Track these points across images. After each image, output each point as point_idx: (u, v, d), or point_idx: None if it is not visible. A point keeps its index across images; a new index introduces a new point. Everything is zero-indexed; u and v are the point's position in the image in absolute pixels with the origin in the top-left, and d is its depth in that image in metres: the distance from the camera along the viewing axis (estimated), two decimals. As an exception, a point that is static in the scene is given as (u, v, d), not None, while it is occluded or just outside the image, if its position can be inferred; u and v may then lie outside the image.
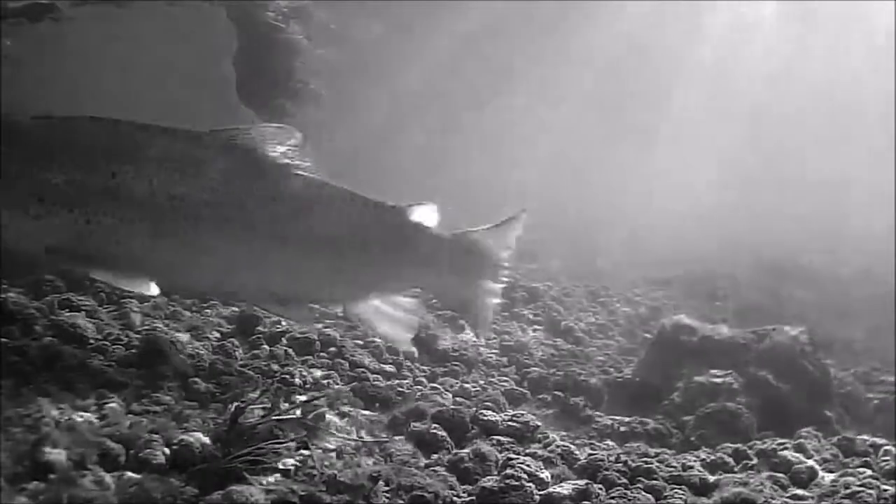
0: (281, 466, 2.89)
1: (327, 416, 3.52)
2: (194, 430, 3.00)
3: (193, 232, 3.43)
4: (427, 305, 6.59)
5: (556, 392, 5.36)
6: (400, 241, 3.90)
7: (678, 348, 5.65)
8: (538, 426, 4.08)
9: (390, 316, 3.97)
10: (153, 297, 5.01)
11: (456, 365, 5.48)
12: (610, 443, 4.46)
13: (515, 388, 5.37)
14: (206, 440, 2.93)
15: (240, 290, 3.79)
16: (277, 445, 2.94)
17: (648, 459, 3.73)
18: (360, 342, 5.32)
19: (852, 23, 22.26)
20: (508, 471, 3.21)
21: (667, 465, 3.71)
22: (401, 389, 4.66)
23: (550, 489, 3.21)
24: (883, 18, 21.13)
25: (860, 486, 3.43)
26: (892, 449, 4.14)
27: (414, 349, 4.93)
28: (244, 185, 3.53)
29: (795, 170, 26.74)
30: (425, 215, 3.92)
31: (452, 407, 4.12)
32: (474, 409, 4.18)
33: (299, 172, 3.63)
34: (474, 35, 20.92)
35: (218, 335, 4.76)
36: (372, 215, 3.82)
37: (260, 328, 4.98)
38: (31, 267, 4.51)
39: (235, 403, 3.17)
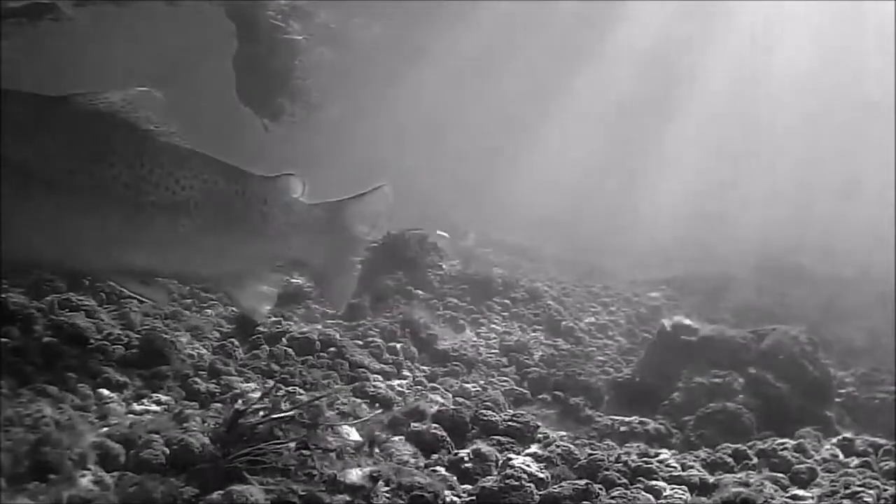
0: (281, 466, 2.89)
1: (328, 416, 3.52)
2: (194, 430, 3.01)
3: (38, 199, 3.19)
4: (429, 307, 6.61)
5: (556, 392, 5.36)
6: (265, 211, 3.74)
7: (678, 348, 5.65)
8: (538, 426, 4.08)
9: (252, 287, 3.84)
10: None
11: (456, 365, 5.48)
12: (610, 443, 4.46)
13: (515, 388, 5.37)
14: (206, 440, 2.93)
15: (92, 264, 3.54)
16: (277, 445, 2.94)
17: (648, 459, 3.73)
18: (360, 342, 5.32)
19: (859, 24, 22.26)
20: (508, 471, 3.21)
21: (667, 465, 3.71)
22: (401, 389, 4.67)
23: (550, 489, 3.21)
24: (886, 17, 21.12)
25: (860, 486, 3.43)
26: (893, 449, 4.14)
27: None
28: (98, 150, 3.30)
29: (796, 170, 26.73)
30: (291, 186, 3.81)
31: (452, 407, 4.12)
32: (474, 409, 4.18)
33: (161, 139, 3.44)
34: (477, 35, 20.92)
35: (218, 335, 4.77)
36: (237, 184, 3.66)
37: (260, 328, 4.98)
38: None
39: (235, 403, 3.17)
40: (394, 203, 4.13)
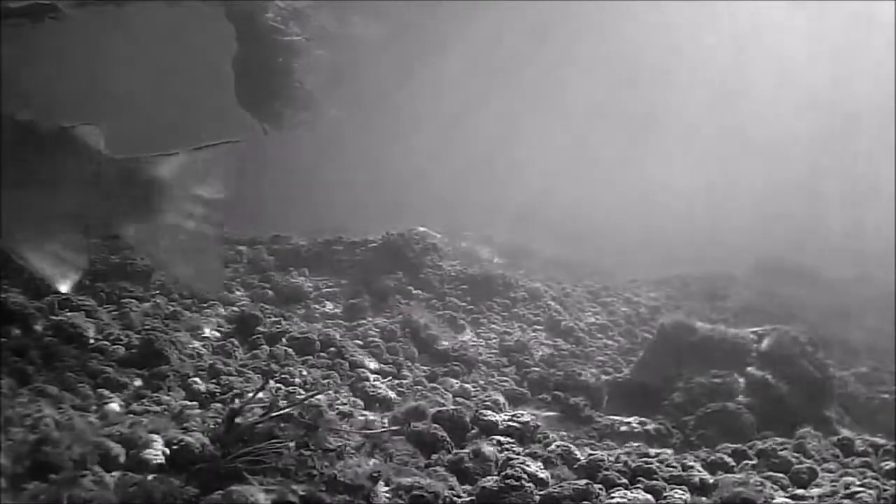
0: (281, 466, 2.89)
1: (327, 415, 3.52)
2: (194, 430, 3.01)
3: None
4: (429, 307, 6.61)
5: (556, 392, 5.36)
6: (58, 163, 3.31)
7: (678, 348, 5.66)
8: (538, 426, 4.08)
9: (48, 248, 3.36)
10: (153, 296, 5.06)
11: (456, 365, 5.48)
12: (610, 443, 4.46)
13: (515, 388, 5.37)
14: (206, 440, 2.93)
15: None
16: (277, 445, 2.94)
17: (648, 459, 3.73)
18: (360, 342, 5.32)
19: (857, 23, 22.28)
20: (508, 471, 3.21)
21: (667, 465, 3.71)
22: (401, 389, 4.67)
23: (550, 489, 3.21)
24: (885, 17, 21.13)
25: (860, 486, 3.44)
26: (893, 449, 4.15)
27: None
28: None
29: (796, 170, 26.74)
30: (89, 136, 3.37)
31: (452, 407, 4.12)
32: (474, 409, 4.18)
33: None
34: (478, 36, 20.94)
35: (218, 335, 4.77)
36: (25, 134, 3.24)
37: (260, 328, 4.98)
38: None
39: (234, 403, 3.17)
40: (239, 162, 3.52)
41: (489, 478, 3.22)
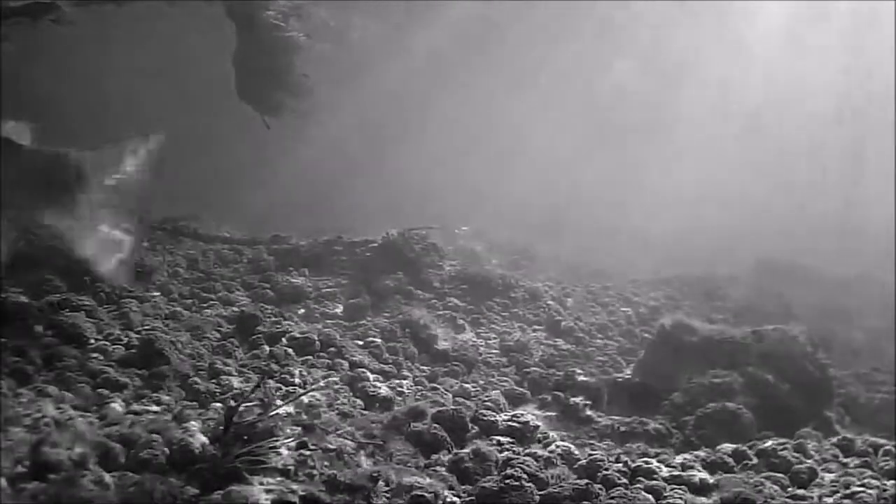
0: (281, 466, 2.89)
1: (327, 415, 3.52)
2: (194, 430, 3.01)
3: None
4: (429, 306, 6.61)
5: (556, 392, 5.36)
6: None
7: (678, 348, 5.65)
8: (538, 426, 4.08)
9: None
10: (153, 296, 5.07)
11: (456, 365, 5.48)
12: (610, 443, 4.46)
13: (515, 388, 5.37)
14: (206, 440, 2.94)
15: None
16: (277, 445, 2.95)
17: (648, 459, 3.73)
18: (360, 342, 5.32)
19: (860, 26, 22.27)
20: (508, 471, 3.22)
21: (667, 465, 3.71)
22: (401, 389, 4.67)
23: (550, 489, 3.21)
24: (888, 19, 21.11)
25: (860, 486, 3.44)
26: (893, 449, 4.15)
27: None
28: None
29: (796, 171, 26.72)
30: (17, 132, 3.45)
31: (452, 407, 4.12)
32: (474, 409, 4.18)
33: None
34: (477, 34, 20.94)
35: (218, 335, 4.77)
36: None
37: (260, 328, 4.98)
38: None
39: (233, 403, 3.17)
40: (163, 156, 3.53)
41: (489, 478, 3.22)
